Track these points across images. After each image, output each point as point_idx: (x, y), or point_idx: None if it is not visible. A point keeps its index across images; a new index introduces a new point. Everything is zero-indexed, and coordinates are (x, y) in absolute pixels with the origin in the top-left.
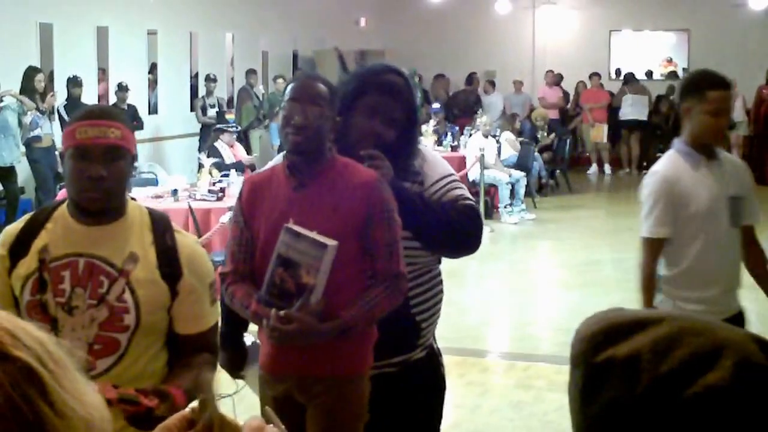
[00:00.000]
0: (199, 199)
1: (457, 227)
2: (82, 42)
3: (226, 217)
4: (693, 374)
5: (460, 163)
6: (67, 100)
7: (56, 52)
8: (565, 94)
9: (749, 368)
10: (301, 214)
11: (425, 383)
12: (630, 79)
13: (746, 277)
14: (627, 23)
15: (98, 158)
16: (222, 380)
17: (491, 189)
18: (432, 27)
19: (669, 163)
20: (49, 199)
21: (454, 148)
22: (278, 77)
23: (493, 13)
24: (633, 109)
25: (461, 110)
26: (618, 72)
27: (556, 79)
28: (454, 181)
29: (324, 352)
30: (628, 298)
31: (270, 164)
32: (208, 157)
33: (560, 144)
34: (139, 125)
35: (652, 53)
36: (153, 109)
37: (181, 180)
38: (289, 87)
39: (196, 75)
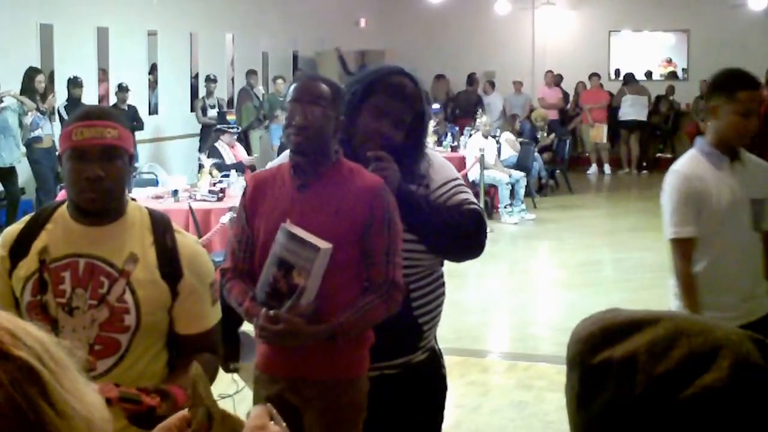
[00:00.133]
0: (200, 200)
1: (461, 231)
2: (83, 43)
3: (226, 218)
4: (690, 375)
5: (460, 164)
6: (67, 100)
7: (56, 52)
8: (565, 94)
9: (746, 368)
10: (302, 215)
11: (427, 384)
12: (629, 79)
13: None
14: (626, 24)
15: (95, 159)
16: (222, 380)
17: (491, 189)
18: (432, 27)
19: (690, 162)
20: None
21: (454, 149)
22: (278, 78)
23: (493, 13)
24: (632, 110)
25: (462, 111)
26: (617, 72)
27: (555, 80)
28: (459, 185)
29: (319, 355)
30: (628, 298)
31: (275, 162)
32: (209, 157)
33: (560, 144)
34: (140, 126)
35: (652, 54)
36: (153, 110)
37: (181, 180)
38: (291, 88)
39: (197, 75)
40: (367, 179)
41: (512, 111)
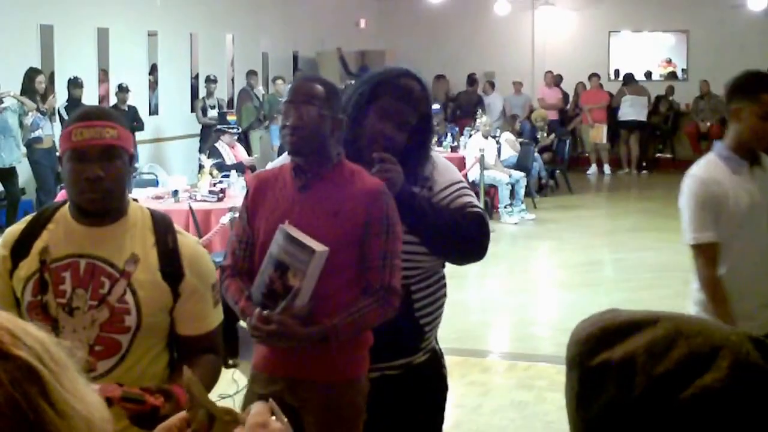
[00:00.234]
0: (200, 200)
1: (464, 234)
2: (83, 43)
3: (226, 218)
4: (689, 376)
5: (460, 164)
6: (67, 101)
7: (57, 53)
8: (565, 94)
9: (746, 369)
10: (301, 216)
11: (427, 385)
12: (629, 79)
13: None
14: (626, 24)
15: (95, 159)
16: (222, 380)
17: (491, 189)
18: (432, 28)
19: (707, 166)
20: (50, 200)
21: (453, 149)
22: (278, 78)
23: (493, 14)
24: (632, 110)
25: (462, 111)
26: (617, 73)
27: (555, 80)
28: (463, 188)
29: (317, 357)
30: (628, 298)
31: (276, 162)
32: (209, 158)
33: (560, 144)
34: (140, 126)
35: (651, 54)
36: (153, 110)
37: (181, 181)
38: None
39: (197, 76)
40: (367, 182)
41: (512, 111)
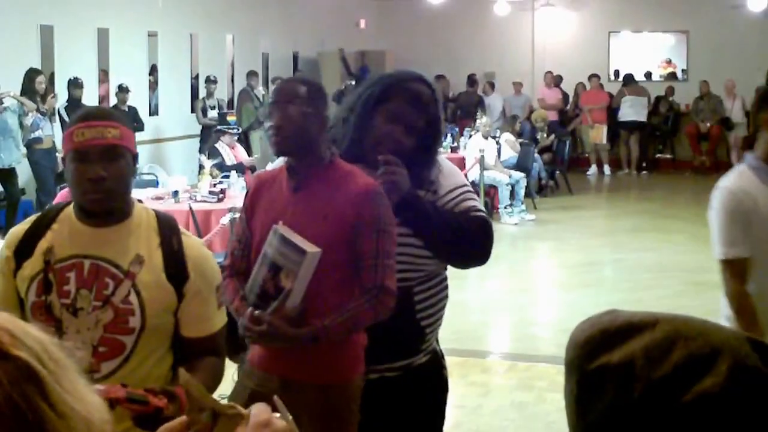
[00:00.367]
0: (200, 201)
1: (467, 238)
2: (83, 44)
3: (226, 219)
4: (688, 379)
5: (460, 164)
6: (67, 101)
7: (57, 53)
8: (565, 95)
9: (745, 372)
10: (294, 217)
11: (428, 386)
12: (629, 80)
13: None
14: (626, 24)
15: (97, 159)
16: (222, 380)
17: (491, 190)
18: (431, 28)
19: (737, 177)
20: (50, 201)
21: (454, 149)
22: (278, 79)
23: (493, 14)
24: (632, 110)
25: (463, 111)
26: (617, 73)
27: (555, 81)
28: (467, 192)
29: (309, 357)
30: (628, 299)
31: (277, 163)
32: (209, 158)
33: (560, 145)
34: (140, 126)
35: (651, 54)
36: (153, 111)
37: (181, 181)
38: None
39: (197, 76)
40: (360, 182)
41: (512, 112)
